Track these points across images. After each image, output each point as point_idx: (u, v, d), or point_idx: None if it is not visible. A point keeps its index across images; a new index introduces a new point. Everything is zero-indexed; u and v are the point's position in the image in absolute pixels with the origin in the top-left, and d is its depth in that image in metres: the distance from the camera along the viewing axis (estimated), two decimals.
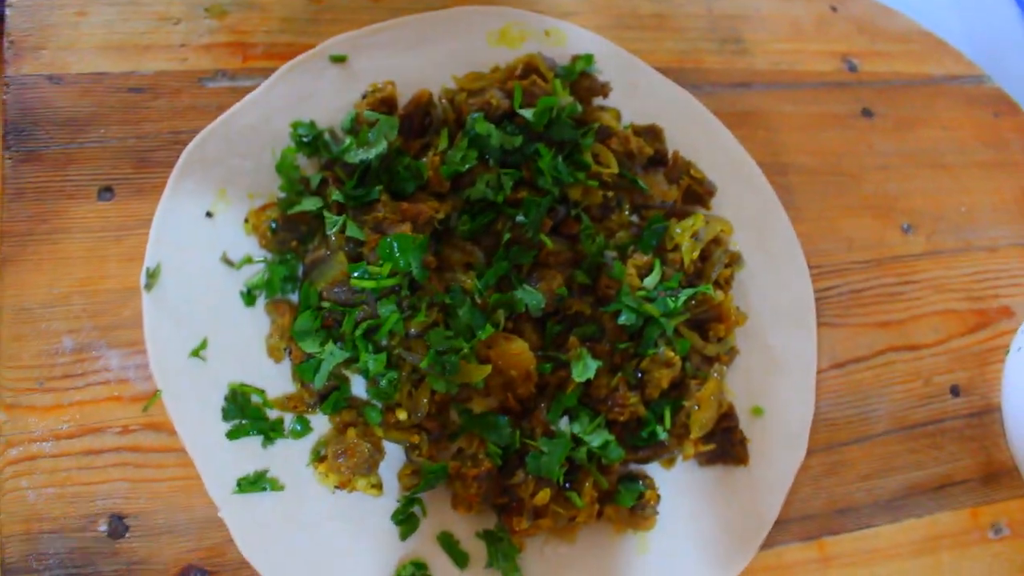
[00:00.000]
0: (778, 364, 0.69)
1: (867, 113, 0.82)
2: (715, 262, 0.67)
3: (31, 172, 0.62)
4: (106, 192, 0.63)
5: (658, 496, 0.62)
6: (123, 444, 0.57)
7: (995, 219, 0.81)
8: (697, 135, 0.74)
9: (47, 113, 0.64)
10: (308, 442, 0.59)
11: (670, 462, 0.64)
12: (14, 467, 0.55)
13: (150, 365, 0.58)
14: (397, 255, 0.59)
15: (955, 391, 0.74)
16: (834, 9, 0.85)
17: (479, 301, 0.61)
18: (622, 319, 0.62)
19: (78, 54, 0.66)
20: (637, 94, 0.74)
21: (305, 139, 0.64)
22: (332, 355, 0.58)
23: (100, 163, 0.63)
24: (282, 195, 0.63)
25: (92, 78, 0.65)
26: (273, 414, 0.59)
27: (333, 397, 0.59)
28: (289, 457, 0.58)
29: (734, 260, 0.69)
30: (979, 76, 0.87)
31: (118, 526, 0.55)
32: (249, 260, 0.62)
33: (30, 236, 0.61)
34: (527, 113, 0.64)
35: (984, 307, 0.78)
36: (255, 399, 0.59)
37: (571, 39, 0.75)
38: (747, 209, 0.73)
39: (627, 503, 0.61)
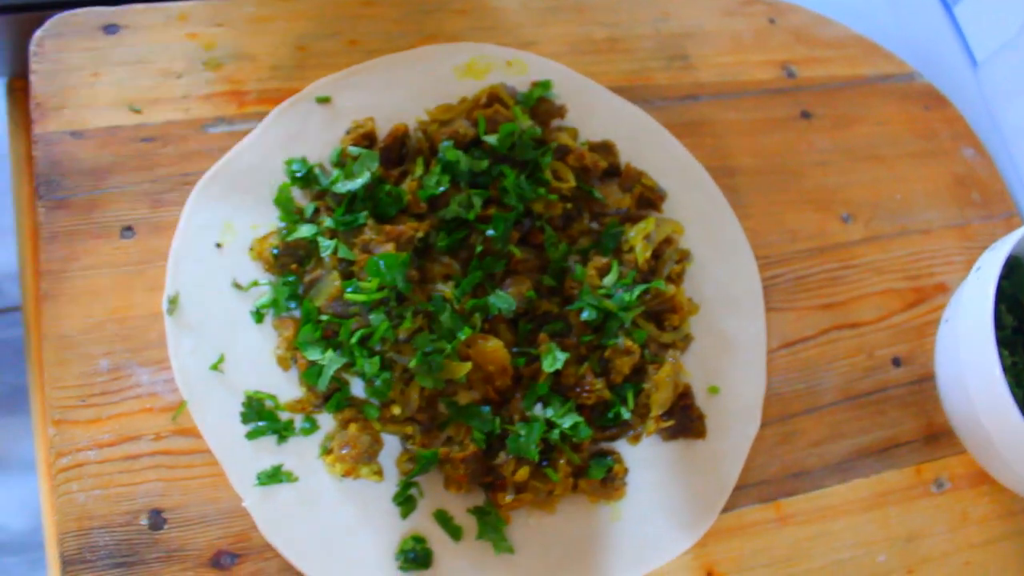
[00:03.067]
0: (731, 347, 0.78)
1: (806, 115, 0.90)
2: (667, 260, 0.75)
3: (61, 218, 0.71)
4: (127, 231, 0.71)
5: (626, 469, 0.70)
6: (157, 449, 0.65)
7: (928, 204, 0.89)
8: (648, 146, 0.82)
9: (72, 165, 0.72)
10: (316, 438, 0.67)
11: (636, 439, 0.72)
12: (65, 474, 0.64)
13: (176, 379, 0.67)
14: (384, 271, 0.67)
15: (896, 362, 0.82)
16: (772, 21, 0.93)
17: (458, 307, 0.69)
18: (584, 315, 0.70)
19: (95, 111, 0.74)
20: (592, 113, 0.82)
21: (298, 174, 0.73)
22: (332, 361, 0.67)
23: (121, 206, 0.72)
24: (281, 224, 0.72)
25: (108, 131, 0.74)
26: (284, 416, 0.67)
27: (335, 398, 0.68)
28: (301, 452, 0.67)
29: (684, 257, 0.78)
30: (910, 74, 0.95)
31: (157, 520, 0.64)
32: (256, 283, 0.70)
33: (64, 273, 0.69)
34: (491, 139, 0.73)
35: (921, 284, 0.86)
36: (268, 404, 0.67)
37: (531, 67, 0.83)
38: (697, 210, 0.81)
39: (598, 476, 0.69)
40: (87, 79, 0.76)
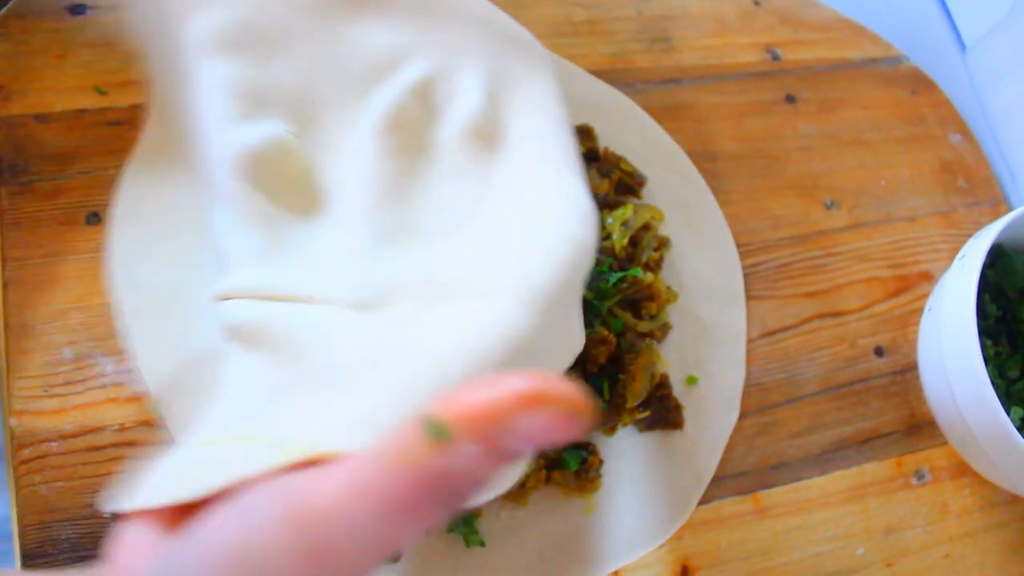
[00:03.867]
0: (710, 336, 0.76)
1: (790, 99, 0.88)
2: (645, 246, 0.74)
3: (26, 203, 0.69)
4: (93, 217, 0.70)
5: (600, 461, 0.69)
6: (121, 439, 0.64)
7: (913, 190, 0.88)
8: (629, 131, 0.81)
9: (36, 149, 0.70)
10: None
11: (611, 430, 0.71)
12: (27, 465, 0.62)
13: None
14: None
15: (879, 352, 0.81)
16: (757, 3, 0.92)
17: None
18: None
19: (60, 94, 0.72)
20: (571, 96, 0.80)
21: None
22: None
23: (86, 192, 0.70)
24: None
25: (74, 115, 0.72)
26: None
27: None
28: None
29: (663, 244, 0.76)
30: (897, 57, 0.94)
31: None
32: None
33: (28, 260, 0.68)
34: None
35: (905, 273, 0.85)
36: None
37: None
38: (678, 196, 0.80)
39: (572, 467, 0.68)
40: (52, 61, 0.74)
